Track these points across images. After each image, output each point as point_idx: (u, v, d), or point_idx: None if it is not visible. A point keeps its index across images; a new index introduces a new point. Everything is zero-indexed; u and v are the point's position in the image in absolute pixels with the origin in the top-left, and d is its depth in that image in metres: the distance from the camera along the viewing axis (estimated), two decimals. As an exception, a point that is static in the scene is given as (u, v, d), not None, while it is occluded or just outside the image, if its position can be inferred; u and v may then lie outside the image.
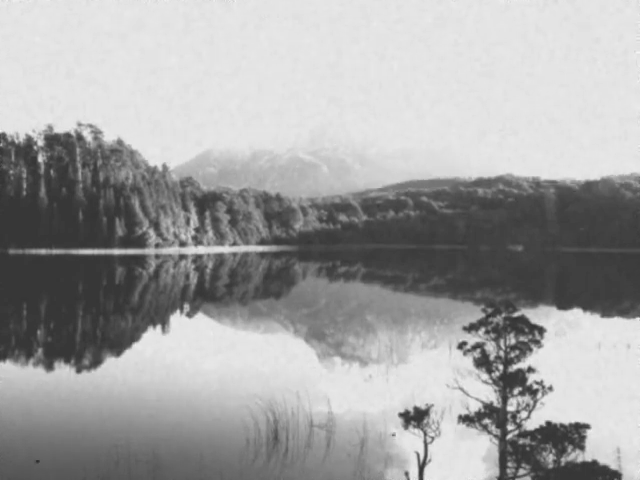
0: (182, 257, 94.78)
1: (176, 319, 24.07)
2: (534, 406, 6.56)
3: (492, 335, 6.97)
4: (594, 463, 5.13)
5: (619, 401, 11.33)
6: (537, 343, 6.83)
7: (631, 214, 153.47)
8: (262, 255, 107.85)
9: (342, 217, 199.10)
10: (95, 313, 25.19)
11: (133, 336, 19.74)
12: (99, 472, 7.62)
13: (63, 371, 13.91)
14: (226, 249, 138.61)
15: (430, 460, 6.67)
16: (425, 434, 6.61)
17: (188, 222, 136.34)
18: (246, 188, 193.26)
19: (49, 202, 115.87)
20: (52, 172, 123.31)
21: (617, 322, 23.95)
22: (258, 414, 9.78)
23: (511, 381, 6.70)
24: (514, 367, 6.87)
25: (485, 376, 6.96)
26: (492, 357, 6.94)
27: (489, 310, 7.09)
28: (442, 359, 15.09)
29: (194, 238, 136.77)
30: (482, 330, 7.05)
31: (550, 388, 6.56)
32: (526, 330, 6.85)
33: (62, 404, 10.90)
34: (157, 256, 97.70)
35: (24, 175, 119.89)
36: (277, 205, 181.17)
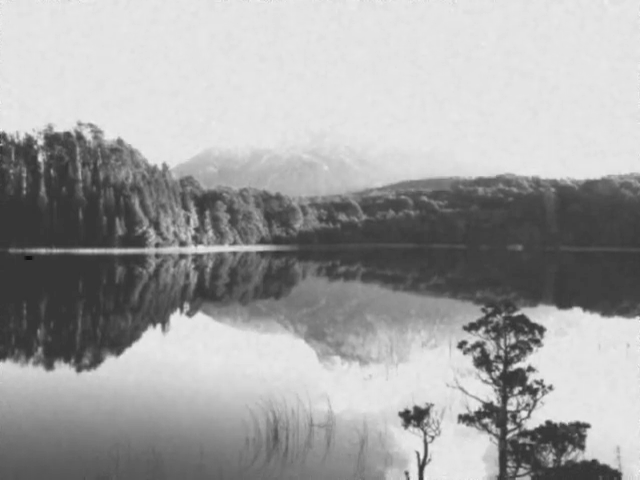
0: (182, 256, 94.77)
1: (176, 319, 24.08)
2: (534, 405, 6.56)
3: (492, 334, 6.97)
4: (594, 463, 5.13)
5: (619, 401, 11.33)
6: (537, 342, 6.83)
7: (631, 214, 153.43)
8: (262, 254, 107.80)
9: (342, 216, 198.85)
10: (95, 312, 25.19)
11: (133, 335, 19.75)
12: (99, 471, 7.62)
13: (63, 370, 13.91)
14: (226, 248, 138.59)
15: (430, 459, 6.67)
16: (425, 433, 6.61)
17: (188, 221, 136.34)
18: (246, 187, 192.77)
19: (49, 201, 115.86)
20: (52, 171, 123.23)
21: (617, 322, 23.95)
22: (258, 414, 9.77)
23: (511, 380, 6.70)
24: (514, 366, 6.87)
25: (485, 375, 6.96)
26: (492, 356, 6.94)
27: (489, 309, 7.09)
28: (442, 359, 15.09)
29: (194, 237, 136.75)
30: (482, 329, 7.05)
31: (550, 387, 6.56)
32: (526, 329, 6.85)
33: (62, 403, 10.90)
34: (157, 255, 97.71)
35: (24, 174, 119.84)
36: (277, 204, 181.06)
